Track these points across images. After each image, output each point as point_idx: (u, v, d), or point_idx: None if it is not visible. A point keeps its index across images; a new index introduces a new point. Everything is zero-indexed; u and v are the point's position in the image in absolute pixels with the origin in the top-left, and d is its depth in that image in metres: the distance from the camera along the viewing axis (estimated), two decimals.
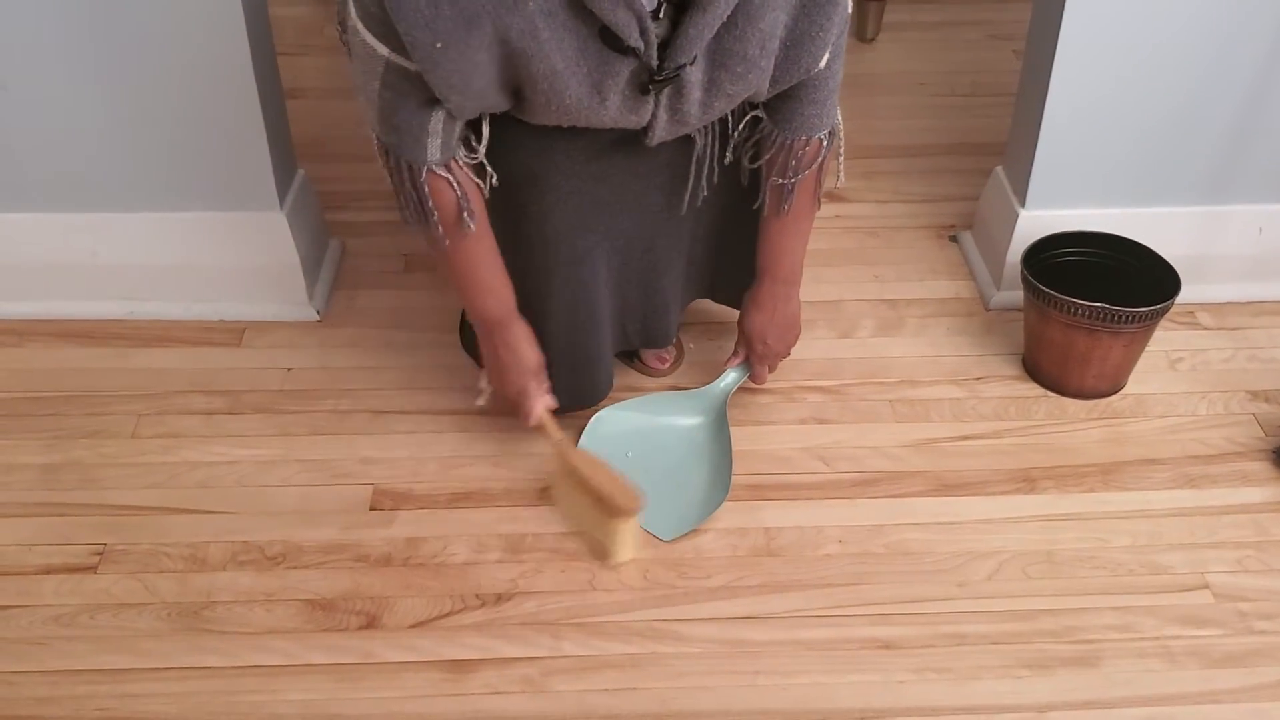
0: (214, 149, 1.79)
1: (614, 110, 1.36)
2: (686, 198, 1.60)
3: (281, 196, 1.86)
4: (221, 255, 1.88)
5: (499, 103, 1.37)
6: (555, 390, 1.61)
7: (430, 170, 1.39)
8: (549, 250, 1.55)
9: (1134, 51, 1.76)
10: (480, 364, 1.62)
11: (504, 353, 1.55)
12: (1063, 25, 1.73)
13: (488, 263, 1.50)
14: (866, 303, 1.98)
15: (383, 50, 1.28)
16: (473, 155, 1.44)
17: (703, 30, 1.30)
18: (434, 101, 1.32)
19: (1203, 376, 1.85)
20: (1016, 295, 1.86)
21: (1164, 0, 1.71)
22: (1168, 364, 1.86)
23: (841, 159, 1.59)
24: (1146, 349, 1.80)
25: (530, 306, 1.57)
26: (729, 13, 1.30)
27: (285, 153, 1.89)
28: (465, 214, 1.43)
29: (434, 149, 1.37)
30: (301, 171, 1.96)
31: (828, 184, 1.61)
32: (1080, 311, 1.71)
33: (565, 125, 1.41)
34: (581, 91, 1.32)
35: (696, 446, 1.72)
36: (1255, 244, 1.94)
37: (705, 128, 1.54)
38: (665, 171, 1.56)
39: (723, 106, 1.42)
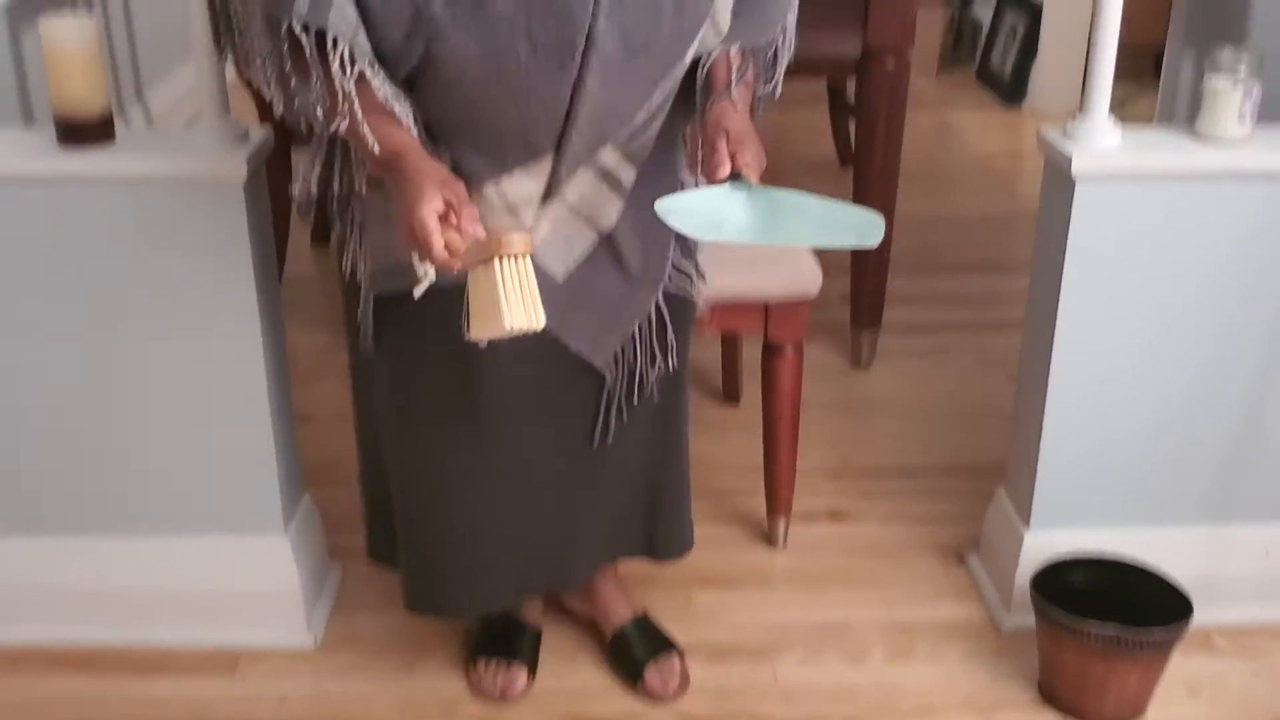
0: (223, 473, 1.81)
1: None
2: (597, 433, 1.64)
3: (286, 521, 1.87)
4: (223, 579, 1.87)
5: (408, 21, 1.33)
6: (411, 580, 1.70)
7: (317, 39, 1.32)
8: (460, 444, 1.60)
9: (1126, 378, 1.81)
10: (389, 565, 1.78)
11: (403, 185, 1.34)
12: (1054, 353, 1.79)
13: (376, 108, 1.37)
14: (876, 626, 1.95)
15: None
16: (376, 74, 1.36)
17: None
18: None
19: (1224, 703, 1.79)
20: (1029, 618, 1.84)
21: (1155, 327, 1.78)
22: (1187, 690, 1.81)
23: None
24: (1165, 675, 1.76)
25: (415, 489, 1.64)
26: None
27: (293, 477, 1.91)
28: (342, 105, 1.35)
29: (306, 4, 1.31)
30: (308, 495, 1.97)
31: None
32: (1093, 637, 1.68)
33: (494, 77, 1.36)
34: None
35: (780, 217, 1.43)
36: (1264, 565, 1.93)
37: (617, 362, 1.60)
38: (578, 405, 1.61)
39: (672, 25, 1.39)
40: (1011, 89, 4.61)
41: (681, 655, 1.85)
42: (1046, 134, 1.75)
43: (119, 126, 1.69)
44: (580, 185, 1.52)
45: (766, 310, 1.97)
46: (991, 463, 2.26)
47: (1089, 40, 1.66)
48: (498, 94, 1.41)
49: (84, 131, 1.64)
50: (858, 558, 2.11)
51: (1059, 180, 1.74)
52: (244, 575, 1.87)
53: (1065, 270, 1.74)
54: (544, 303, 1.31)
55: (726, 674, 1.84)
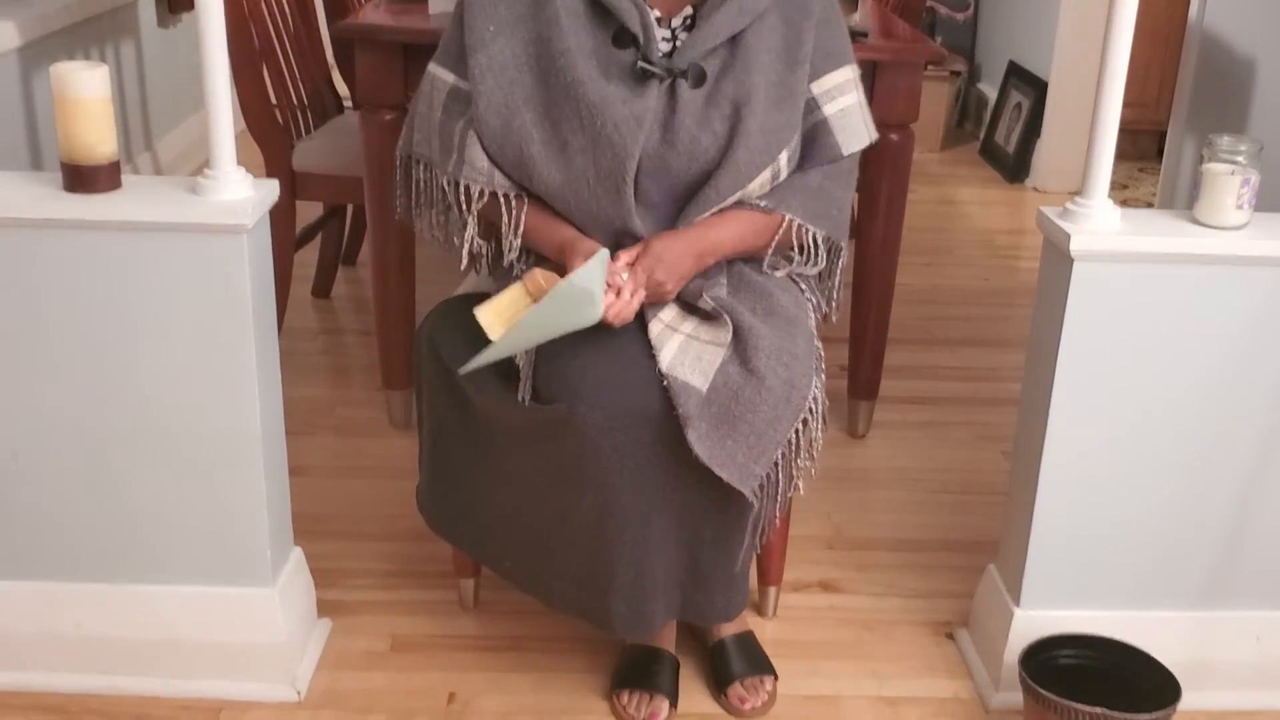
0: (212, 523, 1.81)
1: (619, 91, 1.68)
2: (741, 557, 1.77)
3: (275, 573, 1.86)
4: (208, 630, 1.85)
5: (523, 114, 1.69)
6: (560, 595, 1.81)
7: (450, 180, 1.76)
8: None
9: (1120, 459, 1.81)
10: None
11: (566, 259, 1.72)
12: (1048, 431, 1.79)
13: (537, 221, 1.77)
14: (865, 699, 1.93)
15: (449, 79, 1.75)
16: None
17: (696, 43, 1.70)
18: (469, 121, 1.72)
19: None
20: (1017, 696, 1.82)
21: (1150, 409, 1.78)
22: None
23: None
24: None
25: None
26: (719, 41, 1.70)
27: (283, 530, 1.90)
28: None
29: (453, 163, 1.74)
30: (298, 549, 1.96)
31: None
32: (1081, 717, 1.66)
33: (584, 131, 1.67)
34: (592, 70, 1.68)
35: None
36: (1253, 651, 1.91)
37: (762, 488, 1.71)
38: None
39: (709, 145, 1.70)
40: (1014, 167, 4.65)
41: (775, 679, 1.90)
42: (1046, 213, 1.77)
43: (126, 173, 1.70)
44: (685, 320, 1.72)
45: None
46: (985, 538, 2.26)
47: (1092, 121, 1.68)
48: (580, 219, 1.73)
49: (91, 177, 1.65)
50: (848, 629, 2.10)
51: (1057, 258, 1.75)
52: (229, 626, 1.85)
53: (1061, 348, 1.74)
54: (695, 418, 1.61)
55: None
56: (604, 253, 1.61)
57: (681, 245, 1.72)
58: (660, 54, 1.73)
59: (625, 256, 1.70)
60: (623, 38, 1.71)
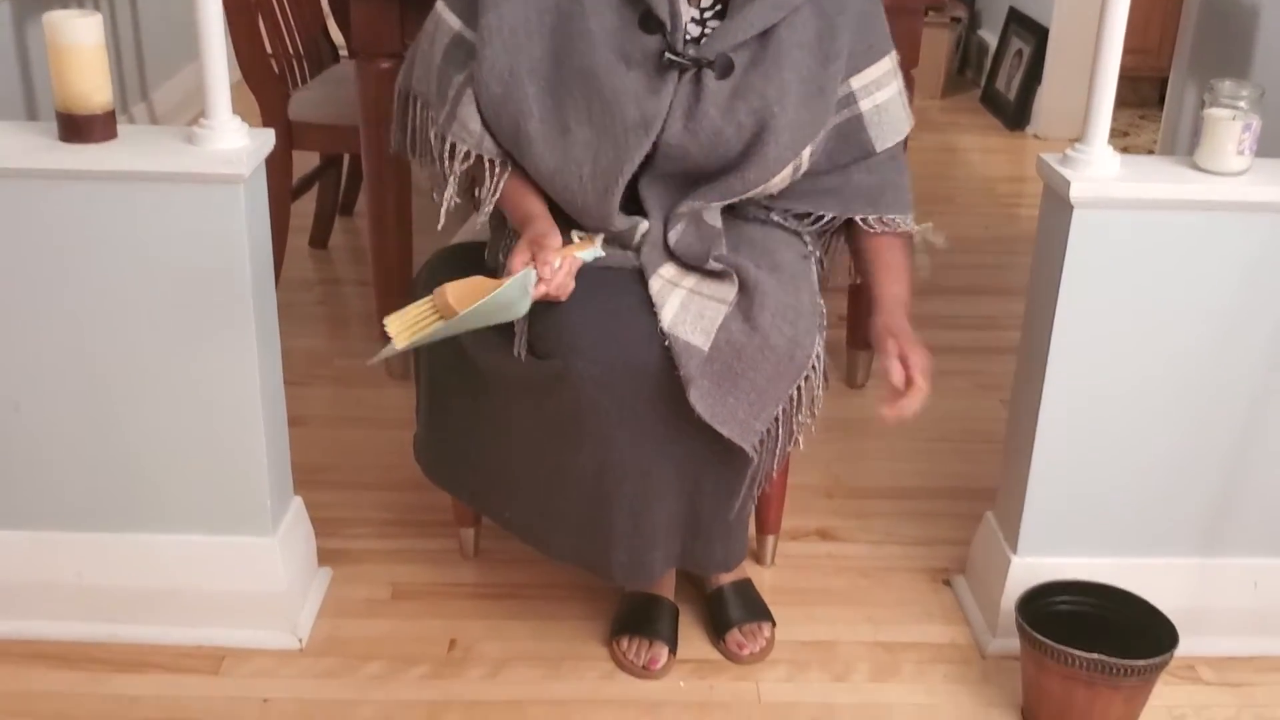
0: (212, 473, 1.81)
1: (636, 84, 1.63)
2: (737, 504, 1.77)
3: (275, 522, 1.86)
4: (209, 579, 1.86)
5: (525, 85, 1.64)
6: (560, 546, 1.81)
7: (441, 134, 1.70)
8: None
9: (1118, 406, 1.81)
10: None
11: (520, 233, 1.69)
12: (1046, 379, 1.79)
13: (512, 188, 1.73)
14: (862, 645, 1.94)
15: (455, 24, 1.69)
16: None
17: (726, 34, 1.65)
18: (468, 78, 1.67)
19: None
20: (1013, 643, 1.83)
21: (1149, 355, 1.78)
22: None
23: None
24: (1149, 703, 1.75)
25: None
26: (750, 34, 1.64)
27: (283, 479, 1.90)
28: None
29: (444, 116, 1.70)
30: (298, 498, 1.97)
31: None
32: (1077, 662, 1.68)
33: (590, 123, 1.63)
34: (610, 56, 1.63)
35: None
36: (1252, 598, 1.93)
37: (762, 443, 1.69)
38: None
39: (732, 137, 1.66)
40: (1015, 114, 4.62)
41: (773, 625, 1.93)
42: (1046, 159, 1.76)
43: (121, 123, 1.69)
44: (686, 275, 1.69)
45: None
46: (983, 487, 2.26)
47: (1092, 67, 1.66)
48: (563, 205, 1.70)
49: (86, 127, 1.64)
50: (846, 577, 2.11)
51: (1057, 205, 1.74)
52: (231, 575, 1.86)
53: (1060, 295, 1.74)
54: (697, 378, 1.61)
55: (710, 689, 1.84)
56: (528, 272, 1.56)
57: (903, 317, 1.75)
58: (688, 38, 1.68)
59: (898, 370, 1.62)
60: (649, 22, 1.66)
